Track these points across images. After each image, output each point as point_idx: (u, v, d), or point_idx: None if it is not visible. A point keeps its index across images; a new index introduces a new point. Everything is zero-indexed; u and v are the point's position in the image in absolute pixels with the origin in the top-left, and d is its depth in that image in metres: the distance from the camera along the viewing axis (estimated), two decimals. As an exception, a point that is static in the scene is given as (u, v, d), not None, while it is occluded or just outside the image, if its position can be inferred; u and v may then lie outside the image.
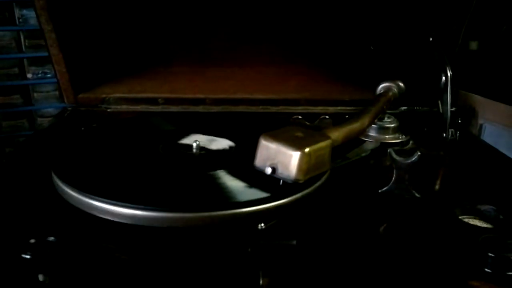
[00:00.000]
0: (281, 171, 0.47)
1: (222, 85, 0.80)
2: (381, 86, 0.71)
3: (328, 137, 0.50)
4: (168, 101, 0.79)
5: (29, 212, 0.46)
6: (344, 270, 0.39)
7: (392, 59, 0.82)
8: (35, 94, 1.11)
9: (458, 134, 0.70)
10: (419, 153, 0.52)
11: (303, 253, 0.41)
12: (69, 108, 0.77)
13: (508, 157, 0.67)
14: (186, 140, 0.59)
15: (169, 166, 0.52)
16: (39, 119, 1.14)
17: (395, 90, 0.71)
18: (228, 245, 0.42)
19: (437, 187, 0.58)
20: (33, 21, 1.18)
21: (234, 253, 0.41)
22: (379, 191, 0.53)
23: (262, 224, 0.44)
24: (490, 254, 0.39)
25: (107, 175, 0.50)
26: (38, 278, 0.37)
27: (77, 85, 0.77)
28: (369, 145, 0.66)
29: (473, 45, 1.68)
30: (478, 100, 1.63)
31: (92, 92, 0.79)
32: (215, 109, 0.79)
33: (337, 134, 0.53)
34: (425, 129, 0.75)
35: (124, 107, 0.78)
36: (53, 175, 0.49)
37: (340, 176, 0.54)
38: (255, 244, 0.41)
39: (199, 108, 0.78)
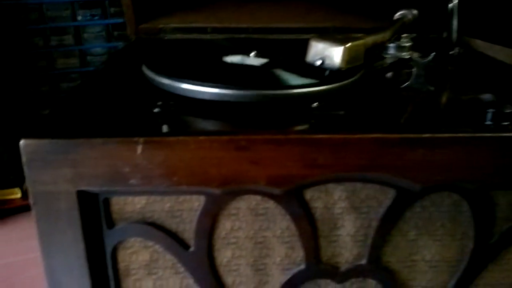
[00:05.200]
0: (328, 62, 0.62)
1: (262, 16, 0.94)
2: (398, 13, 0.85)
3: (362, 38, 0.65)
4: (215, 30, 0.92)
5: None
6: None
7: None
8: (85, 35, 1.23)
9: (462, 51, 0.85)
10: (434, 53, 0.67)
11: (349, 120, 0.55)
12: (133, 37, 0.91)
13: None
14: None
15: (237, 66, 0.66)
16: (88, 57, 1.26)
17: (410, 16, 0.85)
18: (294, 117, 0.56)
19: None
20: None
21: (302, 121, 0.54)
22: (401, 86, 0.68)
23: (315, 103, 0.58)
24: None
25: (187, 66, 0.64)
26: (162, 129, 0.51)
27: (139, 16, 0.90)
28: (389, 60, 0.80)
29: (473, -7, 1.80)
30: (480, 44, 1.77)
31: (151, 23, 0.92)
32: (255, 37, 0.92)
33: (367, 38, 0.67)
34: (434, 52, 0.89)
35: (178, 36, 0.92)
36: (145, 67, 0.63)
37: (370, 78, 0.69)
38: (314, 116, 0.55)
39: (242, 36, 0.92)
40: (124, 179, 0.46)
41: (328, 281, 0.56)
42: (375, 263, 0.55)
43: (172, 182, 0.47)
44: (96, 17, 1.20)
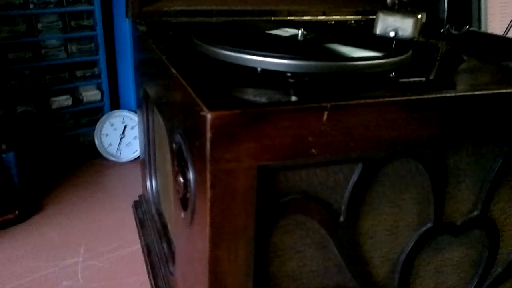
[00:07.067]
0: (401, 33, 0.65)
1: (265, -2, 0.93)
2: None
3: (421, 13, 0.70)
4: (220, 13, 0.89)
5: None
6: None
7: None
8: (39, 25, 1.08)
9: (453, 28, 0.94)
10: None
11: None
12: (137, 20, 0.84)
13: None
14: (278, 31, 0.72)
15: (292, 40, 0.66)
16: (43, 50, 1.11)
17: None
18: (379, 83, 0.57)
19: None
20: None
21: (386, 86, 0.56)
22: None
23: (393, 73, 0.61)
24: None
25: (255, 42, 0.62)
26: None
27: (143, -2, 0.83)
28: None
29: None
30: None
31: (153, 6, 0.85)
32: (264, 19, 0.91)
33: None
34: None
35: (183, 19, 0.87)
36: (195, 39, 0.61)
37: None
38: (400, 84, 0.57)
39: (247, 19, 0.90)
40: (306, 149, 0.44)
41: (446, 236, 0.59)
42: (484, 215, 0.59)
43: (349, 148, 0.46)
44: (51, 5, 1.07)
